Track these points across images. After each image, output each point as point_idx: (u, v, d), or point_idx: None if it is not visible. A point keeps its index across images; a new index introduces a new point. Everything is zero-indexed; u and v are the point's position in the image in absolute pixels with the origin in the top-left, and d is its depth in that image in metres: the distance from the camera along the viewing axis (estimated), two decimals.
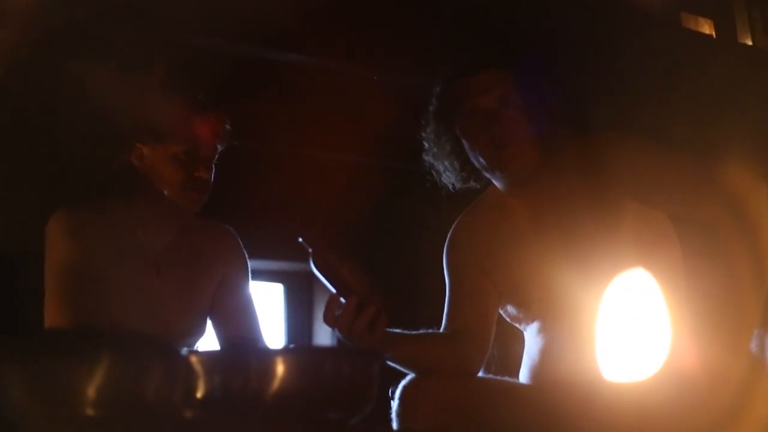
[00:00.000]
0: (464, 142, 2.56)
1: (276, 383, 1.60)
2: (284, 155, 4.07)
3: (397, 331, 2.34)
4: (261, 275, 4.21)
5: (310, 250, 2.17)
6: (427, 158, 2.67)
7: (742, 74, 4.66)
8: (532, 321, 2.58)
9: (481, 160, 2.53)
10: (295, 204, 4.02)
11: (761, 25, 5.09)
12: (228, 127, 2.74)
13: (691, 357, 2.16)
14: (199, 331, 2.82)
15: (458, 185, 2.66)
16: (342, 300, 2.18)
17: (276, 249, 4.06)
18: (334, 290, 2.18)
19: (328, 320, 2.22)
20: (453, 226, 2.72)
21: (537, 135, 2.51)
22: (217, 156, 2.73)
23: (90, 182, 2.88)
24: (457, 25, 3.99)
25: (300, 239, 2.17)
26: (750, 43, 5.01)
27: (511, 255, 2.58)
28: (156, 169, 2.67)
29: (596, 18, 4.42)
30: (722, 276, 2.27)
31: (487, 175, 2.59)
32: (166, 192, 2.65)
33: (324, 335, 4.36)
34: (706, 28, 4.91)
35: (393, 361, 2.37)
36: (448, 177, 2.65)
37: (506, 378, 2.64)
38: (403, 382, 2.35)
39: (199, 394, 1.60)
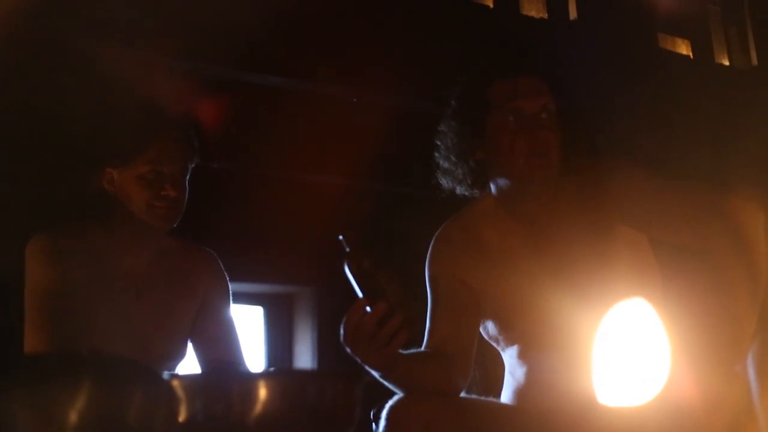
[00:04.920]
0: (494, 144, 2.47)
1: (258, 407, 1.60)
2: (265, 178, 4.07)
3: None
4: (241, 298, 4.20)
5: (348, 250, 2.14)
6: (437, 156, 2.58)
7: (719, 94, 4.70)
8: (513, 343, 2.55)
9: (514, 165, 2.44)
10: (276, 227, 4.02)
11: (738, 45, 5.14)
12: (195, 144, 2.73)
13: (686, 382, 2.15)
14: (180, 354, 2.81)
15: (463, 191, 2.58)
16: (368, 308, 2.12)
17: (256, 272, 4.06)
18: (361, 295, 2.13)
19: (349, 324, 2.14)
20: (436, 235, 2.66)
21: (561, 152, 2.48)
22: (188, 174, 2.72)
23: (66, 207, 2.87)
24: (446, 49, 4.01)
25: (340, 237, 2.14)
26: (727, 63, 5.05)
27: (494, 270, 2.54)
28: (125, 191, 2.67)
29: (575, 41, 4.45)
30: (717, 300, 2.26)
31: (500, 182, 2.52)
32: (136, 213, 2.65)
33: (304, 358, 4.34)
34: (684, 49, 4.94)
35: (386, 380, 2.34)
36: (456, 180, 2.57)
37: (491, 399, 2.62)
38: (390, 403, 2.32)
39: (181, 418, 1.59)
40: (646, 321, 2.17)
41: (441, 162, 2.58)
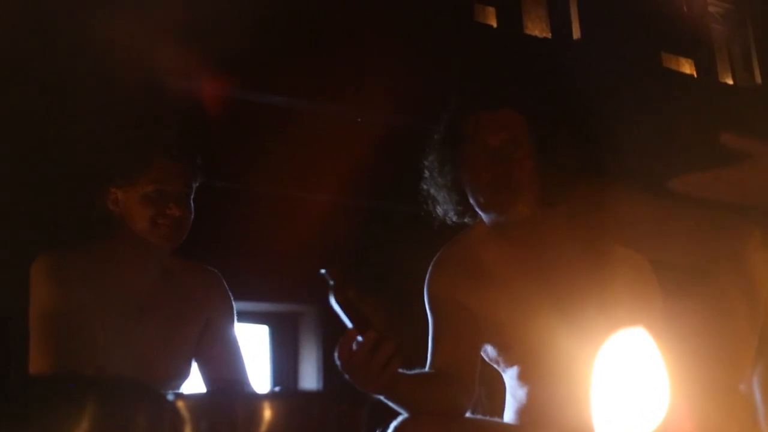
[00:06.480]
0: (465, 176, 2.53)
1: (263, 428, 1.59)
2: (269, 197, 4.07)
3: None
4: (246, 317, 4.20)
5: (331, 283, 2.16)
6: (426, 187, 2.63)
7: (723, 113, 4.70)
8: (512, 365, 2.56)
9: (480, 198, 2.50)
10: (281, 246, 4.02)
11: (741, 64, 5.14)
12: (199, 163, 2.74)
13: (685, 415, 2.13)
14: (184, 373, 2.81)
15: (453, 218, 2.61)
16: (359, 337, 2.14)
17: (261, 290, 4.06)
18: (351, 326, 2.15)
19: (342, 355, 2.16)
20: (435, 258, 2.67)
21: (539, 180, 2.50)
22: (192, 193, 2.73)
23: (71, 228, 2.88)
24: (450, 69, 4.02)
25: (322, 271, 2.16)
26: (731, 82, 5.05)
27: (492, 294, 2.55)
28: (130, 211, 2.68)
29: (578, 60, 4.45)
30: (717, 321, 2.25)
31: (481, 213, 2.56)
32: (140, 232, 2.65)
33: (309, 377, 4.34)
34: (687, 68, 4.95)
35: (390, 401, 2.34)
36: (444, 209, 2.60)
37: (495, 419, 2.62)
38: (394, 424, 2.32)
39: None
40: (645, 353, 2.16)
41: (430, 191, 2.62)
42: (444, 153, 2.58)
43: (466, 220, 2.62)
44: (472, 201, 2.54)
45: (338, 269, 2.17)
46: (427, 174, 2.63)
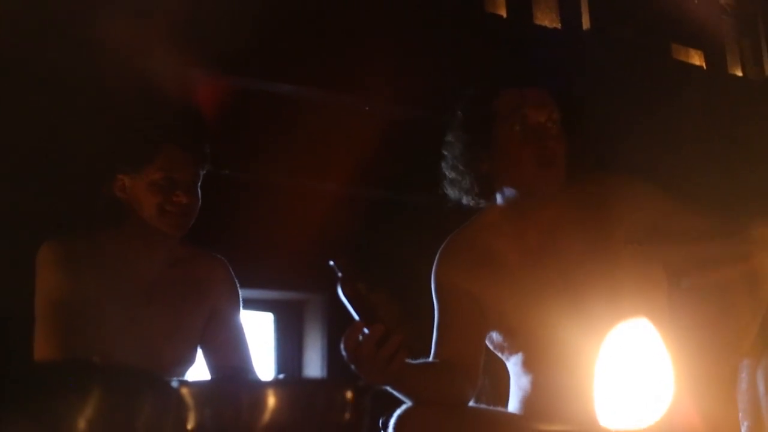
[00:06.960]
0: (502, 152, 2.51)
1: (267, 415, 1.59)
2: (275, 185, 4.07)
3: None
4: (251, 304, 4.20)
5: (340, 275, 2.16)
6: (443, 166, 2.61)
7: (732, 105, 4.69)
8: (516, 351, 2.56)
9: (520, 173, 2.48)
10: (287, 234, 4.02)
11: (751, 56, 5.13)
12: (206, 151, 2.74)
13: (688, 406, 2.13)
14: (190, 360, 2.82)
15: (467, 200, 2.60)
16: (365, 329, 2.14)
17: (267, 278, 4.06)
18: (358, 318, 2.16)
19: (349, 346, 2.16)
20: (442, 246, 2.68)
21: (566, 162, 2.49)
22: (199, 181, 2.73)
23: (78, 214, 2.88)
24: (460, 58, 4.01)
25: (331, 262, 2.16)
26: (740, 74, 5.04)
27: (500, 279, 2.55)
28: (137, 198, 2.68)
29: (588, 51, 4.44)
30: (720, 316, 2.26)
31: (508, 192, 2.55)
32: (147, 219, 2.66)
33: (314, 364, 4.34)
34: (697, 60, 4.94)
35: (394, 391, 2.35)
36: (464, 188, 2.59)
37: (499, 408, 2.62)
38: (398, 412, 2.33)
39: (189, 426, 1.59)
40: (649, 343, 2.16)
41: (448, 172, 2.60)
42: (471, 131, 2.55)
43: (480, 203, 2.60)
44: (507, 179, 2.53)
45: (347, 260, 2.17)
46: (447, 153, 2.61)
